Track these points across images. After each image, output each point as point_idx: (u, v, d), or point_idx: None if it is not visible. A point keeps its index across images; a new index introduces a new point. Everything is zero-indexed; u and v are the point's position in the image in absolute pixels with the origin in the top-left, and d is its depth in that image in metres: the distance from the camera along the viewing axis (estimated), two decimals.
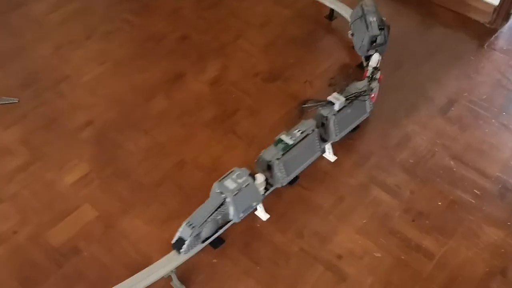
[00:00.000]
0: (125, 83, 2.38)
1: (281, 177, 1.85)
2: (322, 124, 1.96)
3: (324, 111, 1.95)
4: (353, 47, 2.31)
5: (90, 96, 2.32)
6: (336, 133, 1.98)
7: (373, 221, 1.89)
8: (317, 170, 2.03)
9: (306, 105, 1.97)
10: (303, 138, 1.87)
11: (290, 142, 1.83)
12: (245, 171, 1.75)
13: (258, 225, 1.88)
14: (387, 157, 2.08)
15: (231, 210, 1.74)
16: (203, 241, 1.71)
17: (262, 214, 1.89)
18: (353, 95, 1.98)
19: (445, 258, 1.79)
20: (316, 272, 1.76)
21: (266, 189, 1.86)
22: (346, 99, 1.96)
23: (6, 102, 2.26)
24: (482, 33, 2.62)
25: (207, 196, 1.74)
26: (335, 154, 2.06)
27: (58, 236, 1.84)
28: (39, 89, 2.34)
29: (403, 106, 2.26)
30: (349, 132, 2.07)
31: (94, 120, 2.22)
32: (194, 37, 2.59)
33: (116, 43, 2.56)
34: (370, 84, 2.06)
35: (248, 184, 1.73)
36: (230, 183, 1.71)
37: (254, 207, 1.83)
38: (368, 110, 2.09)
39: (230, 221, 1.78)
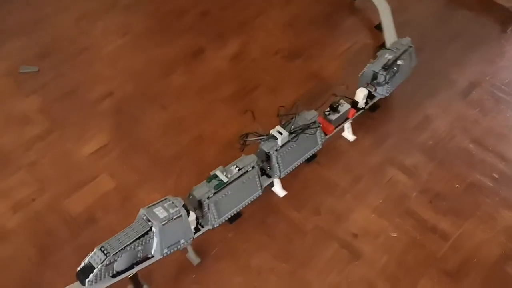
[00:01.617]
0: (144, 57, 2.37)
1: (212, 219, 1.66)
2: (267, 158, 1.78)
3: (266, 146, 1.74)
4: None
5: (109, 68, 2.33)
6: (280, 169, 1.80)
7: (390, 201, 1.88)
8: (335, 149, 2.02)
9: (247, 139, 1.74)
10: (240, 176, 1.68)
11: (225, 179, 1.63)
12: (179, 201, 1.55)
13: (275, 201, 1.88)
14: (406, 138, 2.07)
15: (155, 243, 1.52)
16: (114, 276, 1.48)
17: (279, 190, 1.89)
18: (299, 128, 1.77)
19: (461, 240, 1.78)
20: (331, 249, 1.77)
21: (197, 229, 1.66)
22: (290, 133, 1.76)
23: (27, 70, 2.28)
24: (506, 18, 2.57)
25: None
26: (354, 133, 2.05)
27: (75, 205, 1.86)
28: (59, 60, 2.34)
29: (424, 88, 2.24)
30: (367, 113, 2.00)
31: (113, 92, 2.22)
32: (214, 13, 2.57)
33: (136, 16, 2.55)
34: (328, 114, 1.91)
35: (179, 217, 1.53)
36: (160, 211, 1.51)
37: (181, 246, 1.61)
38: (320, 142, 1.88)
39: (149, 258, 1.55)
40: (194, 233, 1.64)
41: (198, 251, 1.73)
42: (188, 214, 1.57)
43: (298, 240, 1.79)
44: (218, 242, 1.77)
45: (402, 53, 2.03)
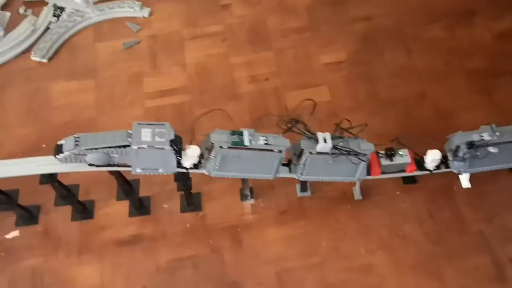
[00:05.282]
0: None
1: (212, 167, 1.55)
2: (299, 155, 1.61)
3: (305, 144, 1.58)
4: None
5: None
6: (301, 172, 1.63)
7: None
8: None
9: (293, 125, 1.59)
10: (262, 150, 1.53)
11: (246, 142, 1.50)
12: (171, 134, 1.45)
13: (455, 188, 1.90)
14: None
15: (131, 159, 1.48)
16: (91, 165, 1.48)
17: (464, 180, 1.88)
18: (345, 149, 1.57)
19: None
20: (480, 259, 1.76)
21: (195, 166, 1.56)
22: (333, 148, 1.56)
23: None
24: None
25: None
26: None
27: (293, 100, 2.12)
28: None
29: None
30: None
31: (372, 18, 2.34)
32: None
33: None
34: (380, 157, 1.66)
35: (162, 149, 1.45)
36: (146, 134, 1.43)
37: (159, 173, 1.53)
38: (357, 177, 1.67)
39: (129, 166, 1.52)
40: (188, 169, 1.56)
41: (364, 190, 1.89)
42: (178, 150, 1.50)
43: (455, 233, 1.81)
44: (384, 193, 1.90)
45: (503, 143, 1.63)
